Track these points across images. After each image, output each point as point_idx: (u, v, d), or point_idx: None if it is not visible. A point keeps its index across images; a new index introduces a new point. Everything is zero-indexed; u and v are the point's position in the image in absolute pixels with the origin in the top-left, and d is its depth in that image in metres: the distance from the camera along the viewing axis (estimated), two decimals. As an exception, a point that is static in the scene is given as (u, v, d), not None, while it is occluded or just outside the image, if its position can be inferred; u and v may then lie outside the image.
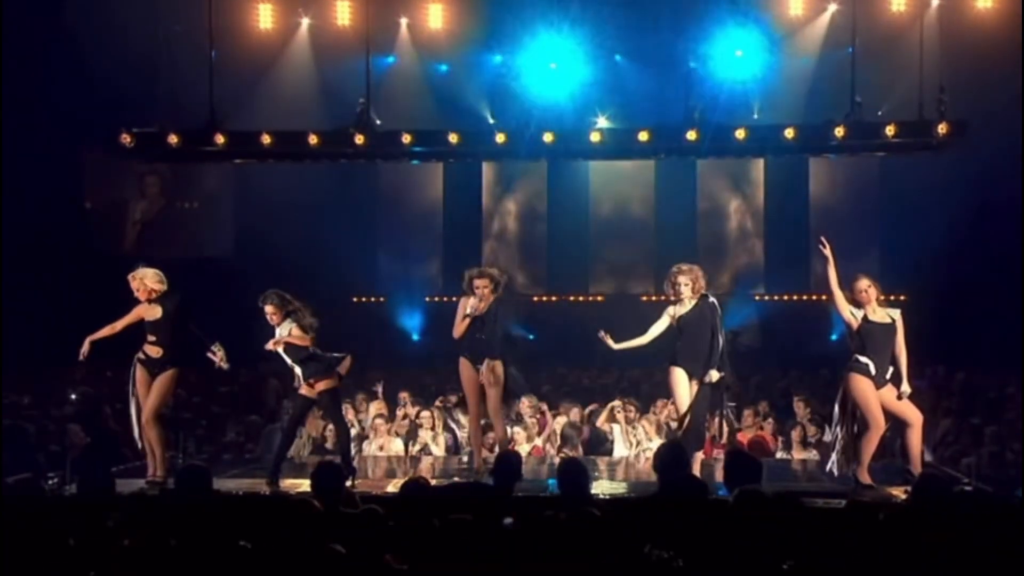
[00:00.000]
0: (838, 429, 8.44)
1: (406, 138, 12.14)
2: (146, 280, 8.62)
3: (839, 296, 8.27)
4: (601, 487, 8.38)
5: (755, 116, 15.11)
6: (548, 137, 12.13)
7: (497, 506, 6.09)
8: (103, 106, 13.54)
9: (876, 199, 17.48)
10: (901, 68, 13.00)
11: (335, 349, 8.91)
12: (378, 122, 12.32)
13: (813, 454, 10.37)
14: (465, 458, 10.28)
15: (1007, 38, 13.59)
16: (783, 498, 5.37)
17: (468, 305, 8.95)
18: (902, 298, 12.36)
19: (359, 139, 11.93)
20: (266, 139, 12.02)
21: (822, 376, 13.19)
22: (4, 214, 14.48)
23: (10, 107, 14.13)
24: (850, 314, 8.24)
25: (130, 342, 8.77)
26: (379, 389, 11.86)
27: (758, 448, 10.45)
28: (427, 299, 18.04)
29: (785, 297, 18.02)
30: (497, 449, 9.12)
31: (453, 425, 11.19)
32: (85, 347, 8.58)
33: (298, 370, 8.81)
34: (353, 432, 10.41)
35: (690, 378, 8.52)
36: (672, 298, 8.67)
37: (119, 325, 8.65)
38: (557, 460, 9.63)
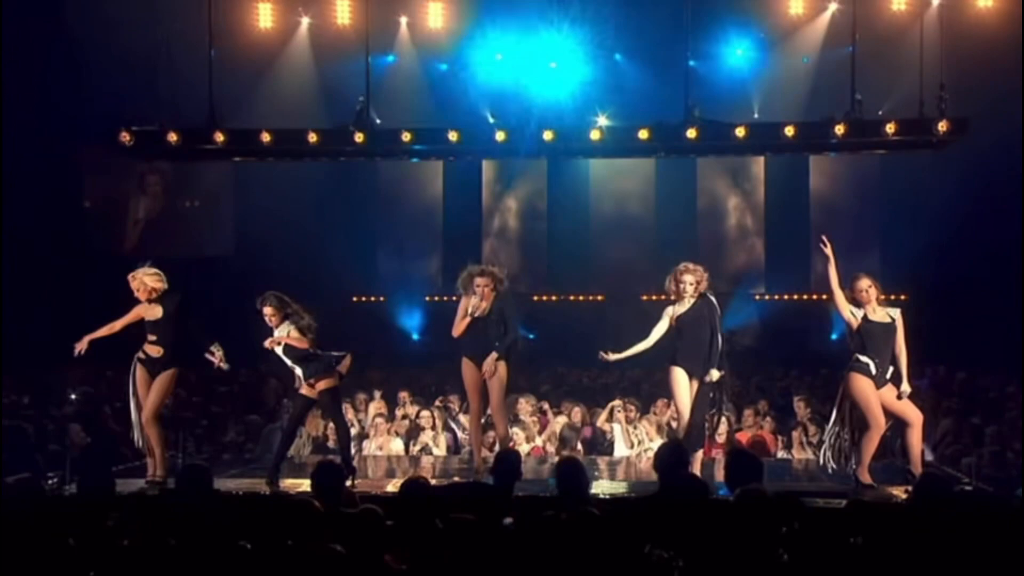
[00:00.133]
0: (835, 427, 8.44)
1: (406, 136, 12.13)
2: (146, 280, 8.62)
3: (839, 295, 8.26)
4: (601, 487, 8.37)
5: (755, 115, 15.12)
6: (548, 135, 12.11)
7: (497, 506, 6.09)
8: (103, 105, 13.54)
9: (877, 198, 17.49)
10: (901, 67, 13.00)
11: (335, 349, 8.90)
12: (378, 121, 12.31)
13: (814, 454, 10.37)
14: (465, 457, 10.27)
15: (1008, 37, 13.59)
16: (783, 498, 5.37)
17: (469, 305, 8.91)
18: (902, 297, 12.35)
19: (359, 137, 11.92)
20: (266, 137, 12.01)
21: (822, 376, 13.18)
22: (4, 213, 14.48)
23: (10, 106, 14.13)
24: (850, 313, 8.24)
25: (130, 342, 8.77)
26: (377, 395, 11.85)
27: (758, 448, 10.45)
28: (427, 298, 18.04)
29: (786, 297, 18.02)
30: (498, 448, 9.10)
31: (453, 425, 11.19)
32: (83, 344, 8.57)
33: (298, 370, 8.80)
34: (353, 431, 10.41)
35: (690, 378, 8.52)
36: (673, 296, 8.65)
37: (118, 325, 8.64)
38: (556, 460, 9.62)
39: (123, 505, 6.22)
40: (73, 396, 12.53)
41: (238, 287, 11.05)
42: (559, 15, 13.97)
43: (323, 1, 15.30)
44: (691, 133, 11.66)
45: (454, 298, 9.34)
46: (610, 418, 10.92)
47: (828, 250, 8.31)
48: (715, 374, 8.51)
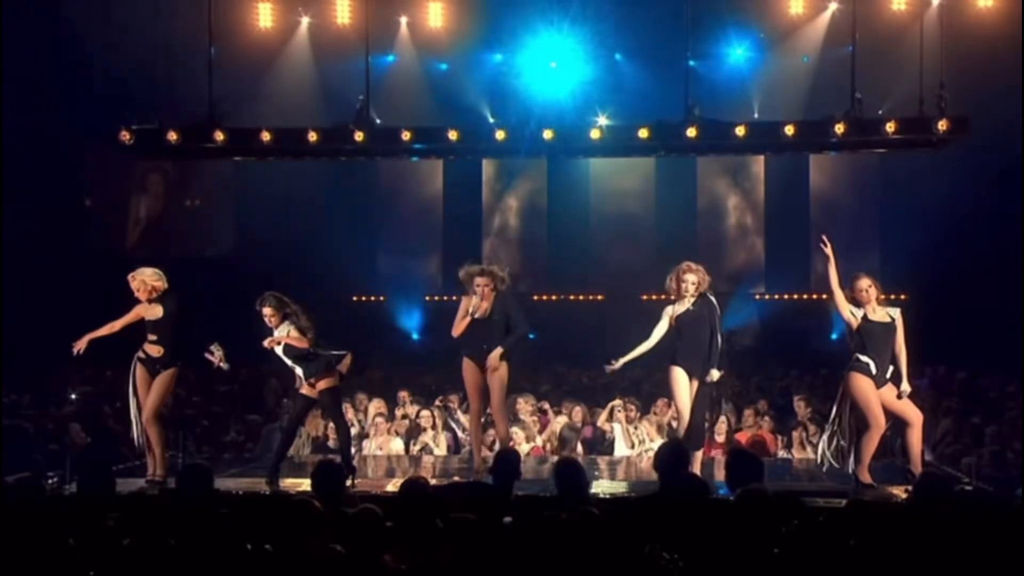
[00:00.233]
0: (833, 426, 8.44)
1: (406, 135, 12.13)
2: (146, 279, 8.62)
3: (839, 295, 8.26)
4: (601, 487, 8.37)
5: (755, 115, 15.12)
6: (548, 134, 12.10)
7: (497, 505, 6.09)
8: (103, 103, 13.54)
9: (877, 197, 17.49)
10: (901, 66, 12.99)
11: (335, 348, 8.90)
12: (377, 121, 12.31)
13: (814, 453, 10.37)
14: (465, 457, 10.27)
15: (1007, 36, 13.59)
16: (784, 498, 5.37)
17: (470, 305, 8.89)
18: (903, 297, 12.36)
19: (359, 136, 11.92)
20: (266, 136, 12.00)
21: (822, 375, 13.19)
22: (5, 212, 14.48)
23: (10, 104, 14.13)
24: (850, 313, 8.24)
25: (130, 342, 8.77)
26: (362, 398, 11.82)
27: (757, 447, 10.45)
28: (427, 298, 18.04)
29: (786, 296, 18.02)
30: (498, 447, 9.09)
31: (453, 424, 11.19)
32: (82, 343, 8.57)
33: (298, 370, 8.80)
34: (353, 431, 10.41)
35: (690, 377, 8.51)
36: (673, 296, 8.64)
37: (118, 325, 8.65)
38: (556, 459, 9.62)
39: (123, 505, 6.22)
40: (73, 396, 12.54)
41: (238, 287, 11.05)
42: (559, 14, 13.98)
43: (323, 1, 15.30)
44: (691, 132, 11.65)
45: (454, 298, 9.33)
46: (610, 418, 10.92)
47: (828, 250, 8.31)
48: (715, 374, 8.51)
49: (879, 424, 8.15)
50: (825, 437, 8.51)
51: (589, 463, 9.60)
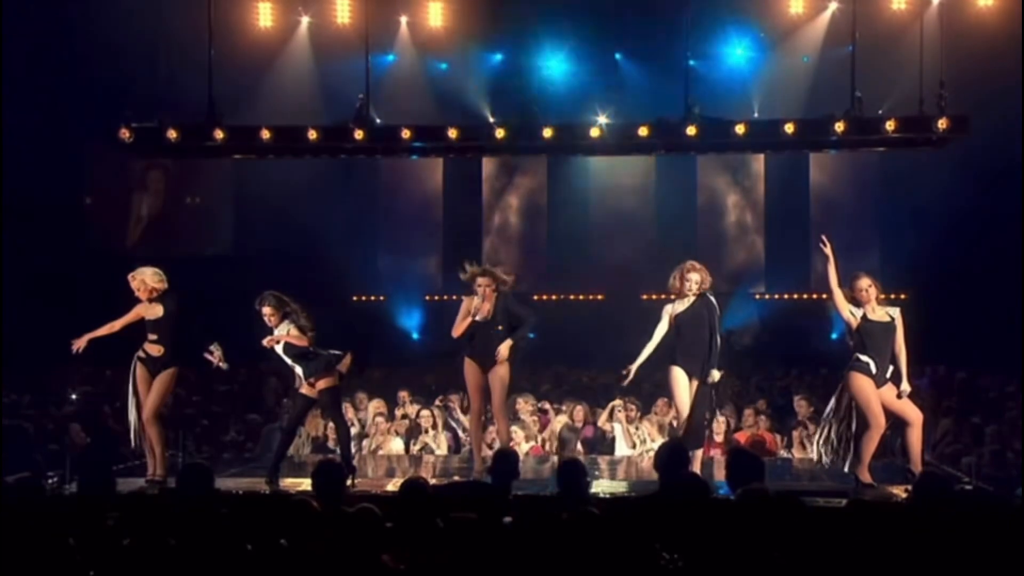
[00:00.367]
0: (829, 424, 8.43)
1: (406, 133, 12.13)
2: (146, 279, 8.62)
3: (838, 295, 8.26)
4: (601, 486, 8.36)
5: (755, 114, 15.11)
6: (548, 132, 12.11)
7: (496, 505, 6.09)
8: (103, 101, 13.53)
9: (877, 196, 17.49)
10: (901, 65, 13.00)
11: (335, 348, 8.89)
12: (377, 121, 12.31)
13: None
14: (466, 457, 10.26)
15: (1007, 35, 13.58)
16: (784, 497, 5.37)
17: (472, 306, 8.87)
18: (903, 296, 12.36)
19: (359, 134, 11.92)
20: (265, 134, 12.01)
21: (823, 375, 13.18)
22: (5, 211, 14.47)
23: (11, 103, 14.12)
24: (849, 313, 8.24)
25: (130, 342, 8.77)
26: (370, 403, 11.80)
27: (757, 447, 10.44)
28: (427, 298, 18.04)
29: (786, 296, 18.02)
30: (497, 447, 9.08)
31: (453, 424, 11.19)
32: (82, 342, 8.57)
33: (298, 369, 8.80)
34: (353, 431, 10.41)
35: (689, 377, 8.51)
36: (674, 294, 8.64)
37: (117, 324, 8.64)
38: (556, 459, 9.62)
39: (123, 505, 6.22)
40: (73, 396, 12.53)
41: (238, 286, 11.05)
42: (559, 14, 13.98)
43: (323, 0, 15.29)
44: (691, 130, 11.66)
45: (454, 297, 9.32)
46: (611, 418, 10.92)
47: (828, 250, 8.31)
48: (716, 375, 8.51)
49: (879, 424, 8.15)
50: (822, 435, 8.52)
51: (590, 463, 9.59)
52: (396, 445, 10.96)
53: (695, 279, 8.53)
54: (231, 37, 13.68)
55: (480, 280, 8.83)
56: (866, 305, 8.22)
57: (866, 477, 8.18)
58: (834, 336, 14.00)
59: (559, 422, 11.26)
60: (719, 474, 8.68)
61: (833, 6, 15.06)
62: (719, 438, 10.38)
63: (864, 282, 8.21)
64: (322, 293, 12.37)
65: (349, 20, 14.96)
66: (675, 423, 9.74)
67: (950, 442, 10.79)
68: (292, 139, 12.23)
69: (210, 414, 12.67)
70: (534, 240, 18.58)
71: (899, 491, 7.95)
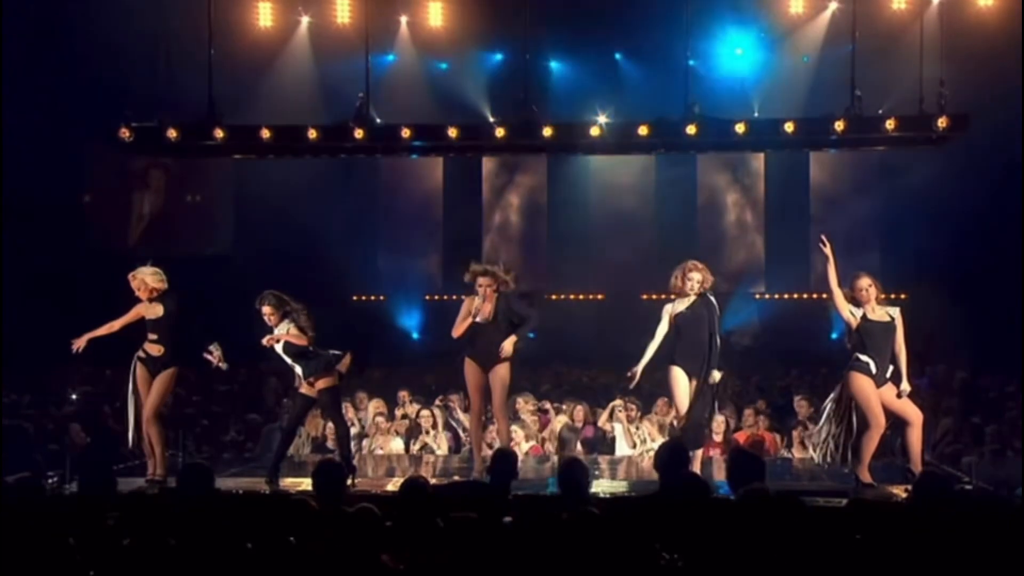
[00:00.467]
0: (828, 424, 8.43)
1: (406, 132, 12.14)
2: (146, 279, 8.62)
3: (838, 295, 8.26)
4: (601, 486, 8.36)
5: (755, 114, 15.11)
6: (548, 131, 12.11)
7: (494, 504, 6.09)
8: (103, 100, 13.54)
9: (877, 195, 17.48)
10: (901, 65, 13.00)
11: (335, 348, 8.89)
12: (377, 120, 12.31)
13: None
14: (466, 456, 10.26)
15: (1008, 34, 13.58)
16: (784, 497, 5.37)
17: (472, 307, 8.85)
18: (903, 296, 12.35)
19: (359, 133, 11.93)
20: (265, 134, 12.02)
21: (823, 375, 13.18)
22: (5, 211, 14.47)
23: (11, 103, 14.12)
24: (849, 313, 8.24)
25: (130, 341, 8.77)
26: (370, 403, 11.80)
27: (756, 447, 10.45)
28: (427, 297, 18.04)
29: (786, 296, 18.01)
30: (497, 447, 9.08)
31: (453, 423, 11.19)
32: (82, 341, 8.57)
33: (298, 369, 8.79)
34: (353, 431, 10.41)
35: (688, 377, 8.51)
36: (675, 294, 8.64)
37: (117, 324, 8.64)
38: (556, 459, 9.62)
39: (123, 505, 6.22)
40: (73, 396, 12.53)
41: (238, 286, 11.05)
42: (559, 14, 13.97)
43: (323, 0, 15.29)
44: (691, 129, 11.66)
45: (454, 297, 9.32)
46: (611, 418, 10.91)
47: (828, 249, 8.31)
48: (717, 375, 8.51)
49: (879, 423, 8.15)
50: (820, 435, 8.52)
51: (590, 463, 9.58)
52: (396, 445, 10.96)
53: (697, 278, 8.53)
54: (231, 37, 13.68)
55: (481, 280, 8.81)
56: (866, 305, 8.22)
57: (866, 477, 8.17)
58: (834, 336, 13.99)
59: (559, 422, 11.26)
60: (719, 474, 8.69)
61: (833, 6, 15.05)
62: (718, 438, 10.38)
63: (864, 282, 8.22)
64: (322, 293, 12.36)
65: (349, 20, 14.96)
66: (675, 423, 9.75)
67: (950, 442, 10.79)
68: (292, 138, 12.24)
69: (210, 414, 12.68)
70: (534, 239, 18.57)
71: (899, 491, 7.95)
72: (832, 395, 8.50)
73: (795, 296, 17.92)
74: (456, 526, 5.18)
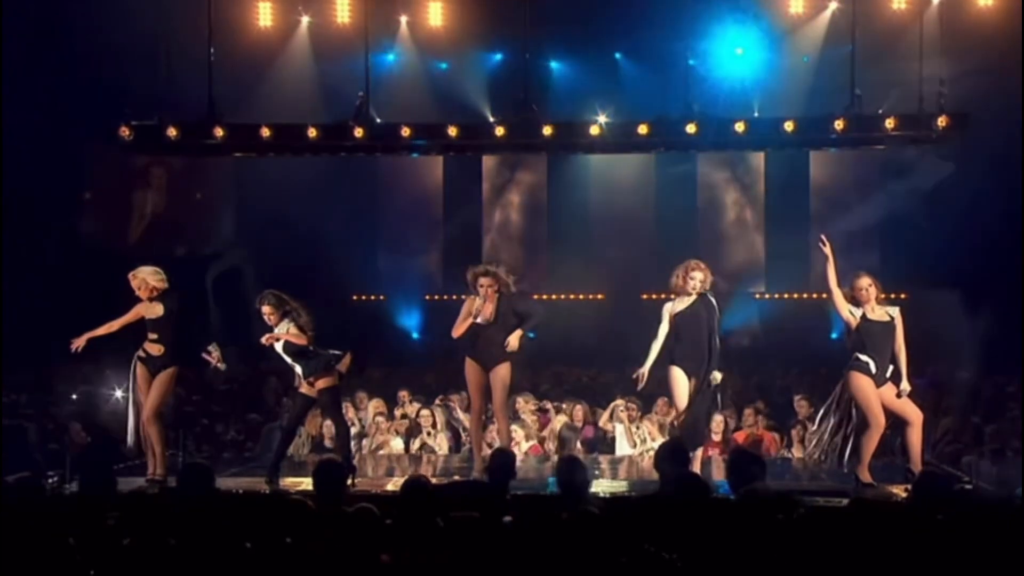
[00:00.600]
0: (827, 424, 8.43)
1: (405, 131, 12.15)
2: (147, 278, 8.62)
3: (837, 295, 8.27)
4: (601, 486, 8.37)
5: (755, 114, 15.10)
6: (548, 130, 12.12)
7: (493, 504, 6.09)
8: (103, 99, 13.54)
9: (877, 195, 17.46)
10: (901, 64, 12.99)
11: (335, 347, 8.89)
12: (377, 120, 12.31)
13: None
14: (466, 456, 10.26)
15: (1008, 34, 13.57)
16: (784, 497, 5.37)
17: (473, 307, 8.84)
18: (903, 296, 12.34)
19: (358, 132, 11.93)
20: (265, 132, 12.02)
21: (822, 375, 13.16)
22: (5, 209, 14.47)
23: (10, 103, 14.11)
24: (848, 313, 8.24)
25: (131, 340, 8.77)
26: (370, 402, 11.79)
27: (755, 447, 10.45)
28: (426, 297, 18.03)
29: (785, 295, 18.00)
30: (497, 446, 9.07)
31: (454, 422, 11.19)
32: (81, 341, 8.57)
33: (298, 368, 8.80)
34: (353, 431, 10.41)
35: (688, 377, 8.51)
36: (675, 292, 8.64)
37: (117, 324, 8.65)
38: (556, 459, 9.62)
39: (123, 504, 6.22)
40: (74, 395, 12.52)
41: (238, 286, 11.05)
42: (559, 14, 13.95)
43: (323, 0, 15.28)
44: (691, 128, 11.67)
45: (454, 297, 9.32)
46: (612, 418, 10.92)
47: (827, 249, 8.31)
48: (718, 376, 8.51)
49: (879, 423, 8.15)
50: (819, 435, 8.52)
51: (590, 463, 9.59)
52: (396, 445, 10.96)
53: (699, 277, 8.53)
54: (231, 36, 13.67)
55: (483, 280, 8.81)
56: (866, 304, 8.22)
57: (866, 477, 8.18)
58: (834, 336, 13.97)
59: (559, 422, 11.27)
60: (719, 474, 8.69)
61: (833, 6, 15.03)
62: (717, 437, 10.39)
63: (864, 281, 8.22)
64: (322, 293, 12.36)
65: (349, 19, 14.94)
66: (676, 423, 9.75)
67: (950, 442, 10.79)
68: (292, 137, 12.25)
69: (210, 414, 12.67)
70: (534, 239, 18.56)
71: (899, 491, 7.95)
72: (832, 395, 8.50)
73: (795, 296, 17.90)
74: (456, 526, 5.18)
